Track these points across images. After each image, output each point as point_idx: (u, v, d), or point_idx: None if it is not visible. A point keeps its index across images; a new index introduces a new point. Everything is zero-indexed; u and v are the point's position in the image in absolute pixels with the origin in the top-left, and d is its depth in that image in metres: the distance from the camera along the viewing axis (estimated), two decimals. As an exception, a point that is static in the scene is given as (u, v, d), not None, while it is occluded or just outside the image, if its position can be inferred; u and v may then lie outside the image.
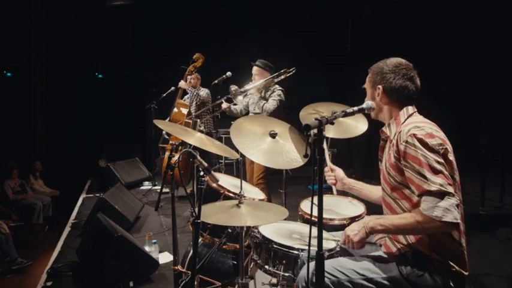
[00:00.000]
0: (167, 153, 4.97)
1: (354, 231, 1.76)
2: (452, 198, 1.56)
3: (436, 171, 1.58)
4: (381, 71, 1.82)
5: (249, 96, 4.22)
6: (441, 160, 1.61)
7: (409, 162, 1.64)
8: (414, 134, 1.64)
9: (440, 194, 1.56)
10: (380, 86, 1.81)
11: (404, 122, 1.77)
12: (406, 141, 1.65)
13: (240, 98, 3.97)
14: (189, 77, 5.43)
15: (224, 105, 4.09)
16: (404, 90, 1.79)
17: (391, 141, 1.79)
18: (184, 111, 5.35)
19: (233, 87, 3.93)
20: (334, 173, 2.31)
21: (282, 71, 4.05)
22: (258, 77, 4.09)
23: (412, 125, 1.68)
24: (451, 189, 1.57)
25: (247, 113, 4.30)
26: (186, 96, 5.54)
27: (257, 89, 4.09)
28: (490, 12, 5.15)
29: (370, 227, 1.73)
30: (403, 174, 1.70)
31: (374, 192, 2.14)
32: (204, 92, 5.43)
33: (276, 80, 4.07)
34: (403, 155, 1.66)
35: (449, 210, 1.54)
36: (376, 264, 1.75)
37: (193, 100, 5.39)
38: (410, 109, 1.81)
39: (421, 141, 1.62)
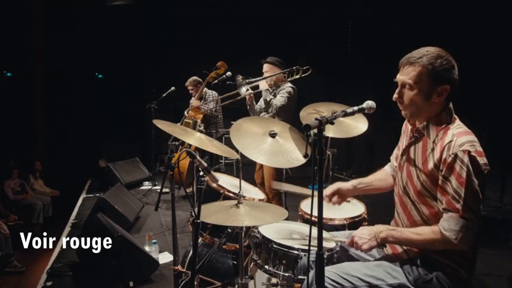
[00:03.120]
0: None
1: (363, 239, 1.70)
2: (476, 226, 1.53)
3: (474, 196, 1.52)
4: (445, 65, 1.59)
5: (263, 94, 4.09)
6: (481, 183, 1.54)
7: (451, 176, 1.55)
8: (468, 152, 1.52)
9: (468, 220, 1.52)
10: (448, 86, 1.60)
11: (448, 125, 1.64)
12: (456, 155, 1.53)
13: (243, 89, 3.82)
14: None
15: (244, 91, 3.82)
16: (457, 87, 1.63)
17: (427, 142, 1.67)
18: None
19: (239, 77, 3.81)
20: (334, 196, 2.07)
21: (295, 68, 3.88)
22: (269, 74, 3.97)
23: (466, 139, 1.55)
24: (478, 217, 1.53)
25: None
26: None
27: (268, 86, 3.94)
28: (490, 12, 5.16)
29: (382, 237, 1.67)
30: (434, 183, 1.62)
31: (380, 184, 2.05)
32: (212, 103, 5.43)
33: (289, 79, 3.92)
34: (447, 166, 1.55)
35: (470, 236, 1.53)
36: (381, 270, 1.70)
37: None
38: (453, 112, 1.68)
39: (473, 160, 1.52)
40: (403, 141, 1.88)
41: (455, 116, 1.69)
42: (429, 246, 1.63)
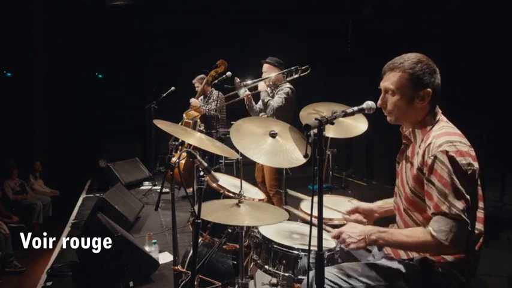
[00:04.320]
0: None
1: (352, 238, 1.65)
2: (467, 226, 1.51)
3: (459, 196, 1.50)
4: (426, 69, 1.61)
5: (261, 95, 4.08)
6: (466, 183, 1.52)
7: (433, 178, 1.55)
8: (446, 151, 1.52)
9: (457, 220, 1.49)
10: (429, 89, 1.61)
11: (431, 128, 1.65)
12: (435, 156, 1.53)
13: (242, 90, 3.84)
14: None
15: (242, 93, 3.84)
16: (440, 90, 1.64)
17: (415, 147, 1.68)
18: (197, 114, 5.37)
19: (236, 80, 3.83)
20: (355, 214, 2.00)
21: (293, 68, 3.88)
22: (268, 74, 3.96)
23: (445, 140, 1.55)
24: (468, 217, 1.51)
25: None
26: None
27: (267, 86, 3.94)
28: (489, 12, 5.16)
29: (372, 240, 1.65)
30: (421, 187, 1.61)
31: None
32: (213, 103, 5.44)
33: (288, 79, 3.91)
34: (428, 169, 1.56)
35: (461, 237, 1.50)
36: (379, 271, 1.68)
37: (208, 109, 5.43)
38: (438, 114, 1.68)
39: (451, 159, 1.51)
40: None
41: (442, 118, 1.70)
42: (421, 249, 1.61)
